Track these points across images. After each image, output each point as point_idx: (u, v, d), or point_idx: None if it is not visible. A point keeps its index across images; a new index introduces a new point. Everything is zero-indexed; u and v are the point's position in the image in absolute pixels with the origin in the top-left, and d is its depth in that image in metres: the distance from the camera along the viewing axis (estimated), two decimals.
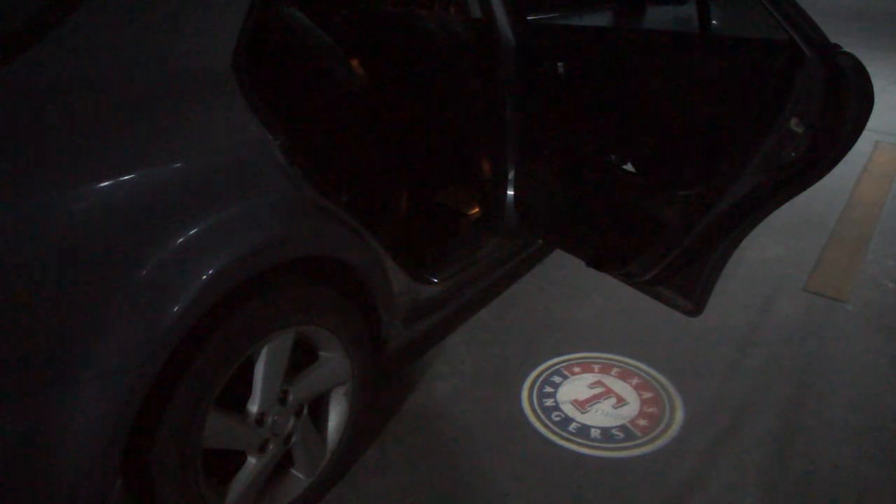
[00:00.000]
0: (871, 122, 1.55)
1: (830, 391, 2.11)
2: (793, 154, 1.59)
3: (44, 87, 1.08)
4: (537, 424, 1.97)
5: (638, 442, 1.92)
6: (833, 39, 1.54)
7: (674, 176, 2.04)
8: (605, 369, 2.22)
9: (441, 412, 2.01)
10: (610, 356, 2.28)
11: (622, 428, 1.97)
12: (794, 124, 1.56)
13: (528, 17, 2.22)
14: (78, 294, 1.07)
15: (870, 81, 1.50)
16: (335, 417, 1.69)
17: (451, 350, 2.29)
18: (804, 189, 1.63)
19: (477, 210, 2.51)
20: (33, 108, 1.06)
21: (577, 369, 2.22)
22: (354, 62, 2.35)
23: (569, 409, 2.04)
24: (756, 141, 1.63)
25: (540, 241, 2.46)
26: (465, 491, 1.75)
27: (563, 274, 2.73)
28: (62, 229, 1.04)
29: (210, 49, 1.26)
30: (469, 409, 2.03)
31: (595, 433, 1.95)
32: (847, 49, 1.52)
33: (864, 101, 1.50)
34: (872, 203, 3.50)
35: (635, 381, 2.16)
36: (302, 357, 1.57)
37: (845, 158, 1.56)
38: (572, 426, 1.98)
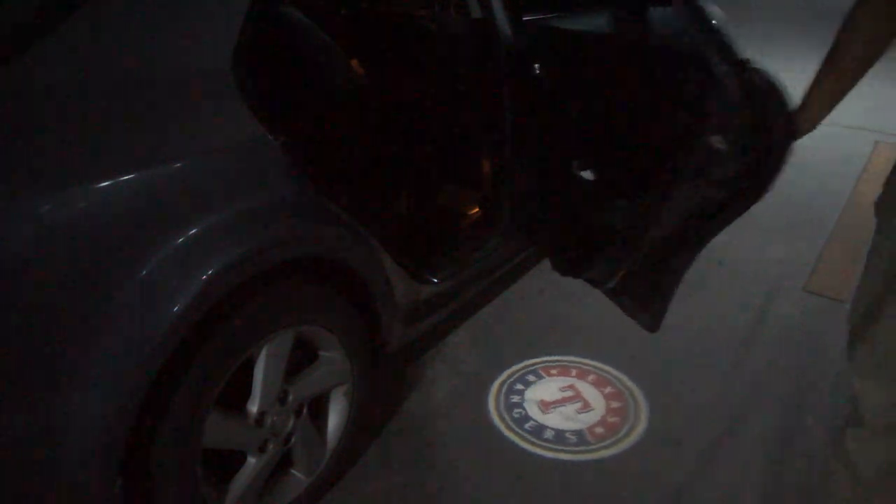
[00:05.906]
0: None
1: (831, 391, 2.11)
2: (727, 172, 1.52)
3: (43, 87, 1.08)
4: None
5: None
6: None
7: (618, 185, 2.00)
8: (581, 374, 2.19)
9: (441, 412, 2.01)
10: (594, 363, 2.25)
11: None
12: (717, 142, 1.49)
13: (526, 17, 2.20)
14: (78, 294, 1.07)
15: (784, 96, 1.41)
16: (335, 417, 1.69)
17: (451, 350, 2.29)
18: (746, 208, 1.57)
19: (477, 210, 2.51)
20: (33, 108, 1.07)
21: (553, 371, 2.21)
22: (354, 62, 2.35)
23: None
24: (680, 157, 1.58)
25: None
26: (464, 491, 1.75)
27: None
28: (62, 229, 1.04)
29: (209, 49, 1.27)
30: (469, 409, 2.03)
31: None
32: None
33: (782, 116, 1.41)
34: (872, 203, 3.49)
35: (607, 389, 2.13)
36: (302, 357, 1.57)
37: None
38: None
